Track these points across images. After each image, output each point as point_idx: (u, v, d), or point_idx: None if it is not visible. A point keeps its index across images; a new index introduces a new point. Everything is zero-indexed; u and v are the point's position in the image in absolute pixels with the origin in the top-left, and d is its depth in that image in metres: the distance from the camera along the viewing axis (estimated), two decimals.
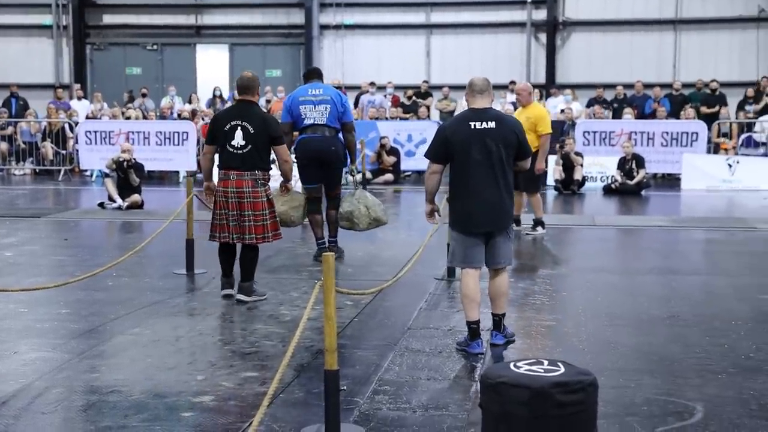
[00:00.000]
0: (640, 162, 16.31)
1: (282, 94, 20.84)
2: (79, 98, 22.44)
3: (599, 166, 17.26)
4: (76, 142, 19.38)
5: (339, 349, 4.70)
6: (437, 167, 6.25)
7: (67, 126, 19.93)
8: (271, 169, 7.81)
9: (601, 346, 6.33)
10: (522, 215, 11.52)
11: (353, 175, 10.24)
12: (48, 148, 19.65)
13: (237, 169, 7.47)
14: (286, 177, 8.14)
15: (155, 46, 25.21)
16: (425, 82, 22.34)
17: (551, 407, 3.88)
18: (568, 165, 16.47)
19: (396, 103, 21.17)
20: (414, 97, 21.28)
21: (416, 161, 19.08)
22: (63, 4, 25.06)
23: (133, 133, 18.93)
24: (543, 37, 23.51)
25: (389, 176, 18.25)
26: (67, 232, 12.14)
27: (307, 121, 9.27)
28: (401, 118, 20.29)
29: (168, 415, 4.95)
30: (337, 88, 10.36)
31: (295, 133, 9.49)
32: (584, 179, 16.65)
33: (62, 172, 19.36)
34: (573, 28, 23.51)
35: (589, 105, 20.32)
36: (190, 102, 21.39)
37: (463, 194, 6.14)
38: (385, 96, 21.29)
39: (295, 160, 9.68)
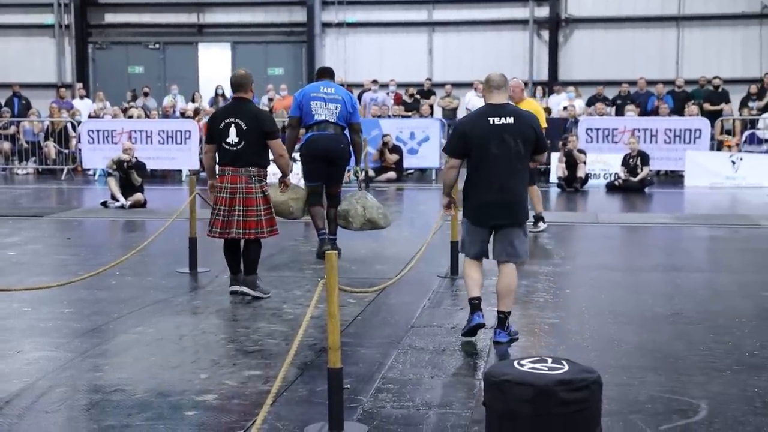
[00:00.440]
0: (645, 159, 16.28)
1: (285, 93, 20.85)
2: (81, 97, 22.45)
3: (602, 163, 17.24)
4: (79, 142, 19.39)
5: (342, 347, 4.70)
6: (455, 162, 6.35)
7: (69, 125, 19.94)
8: (268, 164, 7.88)
9: (605, 344, 6.32)
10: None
11: (358, 176, 10.25)
12: (51, 147, 19.66)
13: (232, 166, 7.60)
14: (283, 172, 8.17)
15: (157, 45, 25.21)
16: (428, 79, 22.32)
17: (555, 405, 3.88)
18: (571, 162, 16.46)
19: (398, 101, 21.15)
20: (417, 95, 21.26)
21: (419, 159, 19.09)
22: (65, 3, 25.07)
23: (135, 132, 18.95)
24: (545, 34, 23.49)
25: (392, 174, 18.24)
26: (70, 231, 12.15)
27: (318, 117, 9.31)
28: (404, 116, 20.28)
29: (171, 414, 4.95)
30: (340, 86, 10.36)
31: (302, 130, 9.53)
32: (587, 176, 16.64)
33: (65, 172, 19.37)
34: (575, 25, 23.48)
35: (590, 103, 20.29)
36: (193, 100, 21.40)
37: (480, 188, 6.23)
38: (387, 94, 21.27)
39: (300, 157, 9.71)
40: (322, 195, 9.62)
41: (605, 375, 4.29)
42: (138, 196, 14.04)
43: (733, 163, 17.06)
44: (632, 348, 6.21)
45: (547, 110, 18.06)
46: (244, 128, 7.56)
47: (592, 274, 8.82)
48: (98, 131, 19.12)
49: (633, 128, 17.93)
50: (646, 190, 16.13)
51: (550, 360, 4.15)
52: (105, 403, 5.11)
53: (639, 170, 16.20)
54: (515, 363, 4.13)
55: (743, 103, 19.79)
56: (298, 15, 24.45)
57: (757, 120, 18.99)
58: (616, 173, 16.69)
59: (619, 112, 19.74)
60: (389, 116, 19.98)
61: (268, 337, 6.50)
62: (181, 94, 22.22)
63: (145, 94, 22.10)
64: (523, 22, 23.54)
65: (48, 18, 25.21)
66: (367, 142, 16.97)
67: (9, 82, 22.98)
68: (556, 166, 16.61)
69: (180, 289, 8.15)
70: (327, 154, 9.28)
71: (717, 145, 18.46)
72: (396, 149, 18.52)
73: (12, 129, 20.33)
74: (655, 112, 19.41)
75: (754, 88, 19.90)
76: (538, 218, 11.41)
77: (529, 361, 4.12)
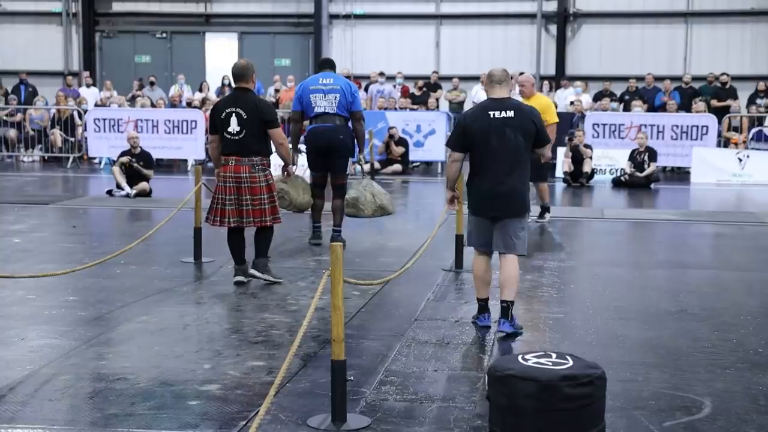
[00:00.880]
0: (652, 155, 16.23)
1: (291, 84, 20.82)
2: (88, 86, 22.46)
3: (609, 158, 17.21)
4: (85, 130, 19.39)
5: (346, 339, 4.69)
6: (458, 155, 6.45)
7: (75, 113, 19.94)
8: (271, 153, 7.94)
9: (609, 340, 6.31)
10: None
11: (361, 165, 10.25)
12: (57, 135, 19.66)
13: (235, 155, 7.68)
14: (285, 160, 8.23)
15: (164, 35, 25.19)
16: (435, 72, 22.27)
17: (559, 400, 3.87)
18: (578, 157, 16.41)
19: (406, 93, 21.11)
20: (424, 89, 21.22)
21: (424, 152, 19.06)
22: None
23: (141, 121, 18.95)
24: (553, 28, 23.42)
25: (397, 167, 18.21)
26: (76, 219, 12.15)
27: (318, 110, 9.39)
28: (410, 109, 20.27)
29: (174, 403, 4.95)
30: (346, 77, 10.40)
31: (305, 122, 9.60)
32: (593, 172, 16.60)
33: (71, 160, 19.38)
34: (584, 19, 23.41)
35: (596, 99, 20.24)
36: (200, 90, 21.39)
37: (481, 180, 6.32)
38: (394, 86, 21.24)
39: (304, 150, 9.76)
40: (325, 187, 9.71)
41: (609, 371, 4.28)
42: (143, 185, 14.04)
43: (740, 160, 17.02)
44: (636, 344, 6.20)
45: (554, 105, 18.01)
46: (245, 117, 7.64)
47: (597, 270, 8.81)
48: (104, 120, 19.12)
49: (640, 124, 17.89)
50: (652, 186, 16.09)
51: (554, 355, 4.14)
52: (108, 392, 5.11)
53: (646, 166, 16.16)
54: (519, 358, 4.12)
55: (751, 100, 19.73)
56: (306, 6, 24.40)
57: (765, 117, 18.93)
58: (622, 169, 16.65)
59: (626, 108, 19.69)
60: (395, 109, 19.96)
61: (272, 328, 6.50)
62: (188, 84, 22.21)
63: (152, 84, 22.10)
64: (531, 16, 23.47)
65: (56, 6, 25.20)
66: (373, 134, 16.97)
67: (16, 69, 23.00)
68: (562, 161, 16.58)
69: (184, 279, 8.16)
70: (327, 144, 9.37)
71: (724, 142, 18.41)
72: (402, 142, 18.50)
73: (18, 116, 20.33)
74: (662, 108, 19.36)
75: (762, 85, 19.83)
76: (544, 209, 11.50)
77: (534, 356, 4.12)
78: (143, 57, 25.16)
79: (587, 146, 16.62)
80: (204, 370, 5.51)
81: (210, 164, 18.62)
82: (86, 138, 19.33)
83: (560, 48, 23.26)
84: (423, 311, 7.03)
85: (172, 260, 8.90)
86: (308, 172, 9.73)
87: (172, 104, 20.75)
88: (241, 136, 7.65)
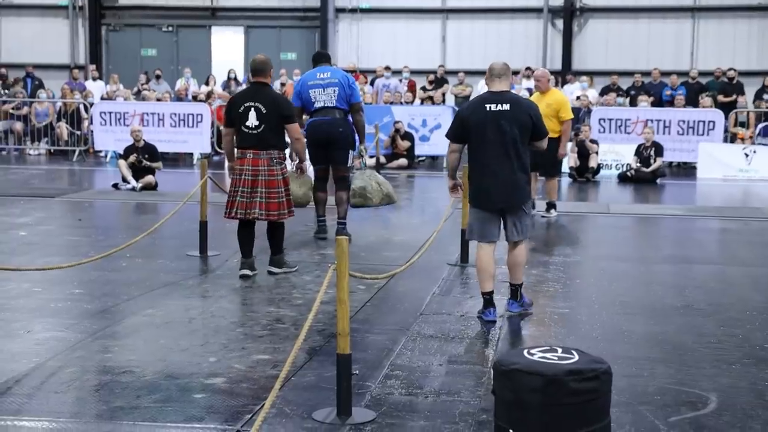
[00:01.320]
0: (659, 150, 16.19)
1: (298, 77, 20.77)
2: (94, 79, 22.47)
3: (615, 153, 17.18)
4: (91, 123, 19.41)
5: (351, 334, 4.70)
6: (456, 146, 6.66)
7: (81, 107, 19.95)
8: (287, 147, 7.97)
9: (615, 335, 6.30)
10: (535, 201, 11.50)
11: (362, 156, 10.28)
12: (63, 128, 19.68)
13: (253, 149, 7.73)
14: (300, 156, 8.22)
15: (171, 28, 25.19)
16: (441, 66, 22.23)
17: (565, 395, 3.86)
18: (584, 152, 16.39)
19: (412, 88, 21.08)
20: (429, 88, 21.14)
21: (430, 146, 19.05)
22: None
23: (147, 114, 18.96)
24: (560, 23, 23.36)
25: (403, 161, 18.19)
26: (81, 212, 12.17)
27: (317, 104, 9.47)
28: (422, 101, 20.31)
29: (180, 396, 4.96)
30: (352, 71, 10.44)
31: (305, 117, 9.63)
32: (599, 167, 16.57)
33: (77, 153, 19.40)
34: (590, 14, 23.35)
35: (602, 93, 20.20)
36: (207, 84, 21.39)
37: (480, 173, 6.53)
38: (400, 80, 21.21)
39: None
40: (327, 180, 9.75)
41: (614, 366, 4.27)
42: (149, 178, 14.06)
43: (747, 155, 16.98)
44: (642, 339, 6.20)
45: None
46: (264, 112, 7.70)
47: (603, 265, 8.80)
48: (110, 113, 19.13)
49: (646, 119, 17.85)
50: (658, 181, 16.06)
51: (560, 350, 4.13)
52: (114, 384, 5.12)
53: (652, 161, 16.12)
54: (525, 352, 4.11)
55: (758, 96, 19.67)
56: (312, 0, 24.38)
57: None
58: (628, 164, 16.62)
59: (633, 103, 19.65)
60: (401, 103, 19.94)
61: (278, 322, 6.51)
62: (194, 78, 22.22)
63: (158, 77, 22.10)
64: (538, 11, 23.42)
65: None
66: (379, 128, 16.96)
67: (22, 62, 23.02)
68: (569, 156, 16.54)
69: (190, 272, 8.17)
70: (326, 137, 9.44)
71: (730, 138, 18.36)
72: (408, 136, 18.48)
73: (24, 110, 20.35)
74: (669, 103, 19.31)
75: None
76: (551, 205, 11.54)
77: (539, 351, 4.11)
78: (149, 50, 25.16)
79: (593, 141, 16.60)
80: (209, 364, 5.52)
81: (216, 158, 18.69)
82: (92, 131, 19.35)
83: (566, 42, 23.20)
84: (428, 305, 7.03)
85: (178, 254, 8.91)
86: (311, 168, 9.75)
87: (178, 98, 20.76)
88: (259, 130, 7.71)
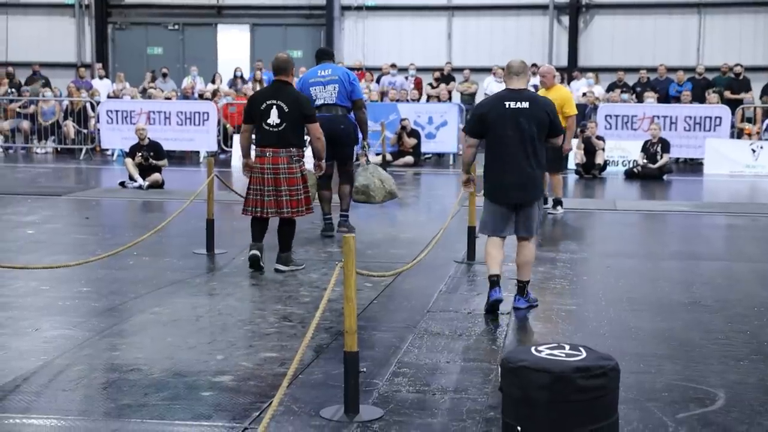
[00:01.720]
0: (665, 146, 16.16)
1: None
2: (100, 77, 22.50)
3: (621, 150, 17.15)
4: (98, 122, 19.44)
5: (358, 331, 4.69)
6: (473, 141, 6.75)
7: (88, 105, 19.99)
8: (305, 146, 8.01)
9: (622, 331, 6.29)
10: (547, 196, 11.53)
11: (365, 152, 10.28)
12: (70, 127, 19.72)
13: (273, 147, 7.79)
14: (319, 155, 8.23)
15: (177, 26, 25.22)
16: (448, 63, 22.22)
17: (572, 392, 3.86)
18: (590, 149, 16.36)
19: (418, 85, 21.07)
20: (440, 82, 21.13)
21: (436, 144, 19.03)
22: None
23: (153, 113, 18.99)
24: (565, 19, 23.34)
25: (409, 158, 18.19)
26: (89, 210, 12.20)
27: (318, 102, 9.50)
28: (429, 97, 20.32)
29: (188, 394, 4.96)
30: (358, 69, 10.45)
31: None
32: (606, 163, 16.55)
33: (84, 151, 19.44)
34: (596, 10, 23.32)
35: (609, 89, 20.16)
36: (213, 82, 21.40)
37: (496, 168, 6.63)
38: (406, 78, 21.20)
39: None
40: (331, 177, 9.78)
41: (622, 362, 4.26)
42: (156, 176, 14.08)
43: (754, 151, 16.94)
44: (649, 336, 6.19)
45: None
46: (286, 110, 7.75)
47: (610, 261, 8.79)
48: (117, 111, 19.17)
49: (653, 115, 17.81)
50: (665, 177, 16.04)
51: (567, 347, 4.12)
52: (122, 382, 5.13)
53: (659, 157, 16.09)
54: (532, 349, 4.11)
55: (765, 91, 19.62)
56: None
57: None
58: (634, 160, 16.59)
59: (639, 99, 19.60)
60: (407, 100, 19.93)
61: (285, 320, 6.51)
62: (200, 76, 22.23)
63: (164, 75, 22.12)
64: (543, 7, 23.39)
65: None
66: (385, 125, 16.96)
67: (29, 61, 23.07)
68: (575, 153, 16.53)
69: (197, 270, 8.18)
70: (328, 134, 9.37)
71: (737, 133, 18.31)
72: (414, 133, 18.47)
73: (31, 108, 20.40)
74: (675, 99, 19.27)
75: None
76: (557, 202, 11.55)
77: (547, 348, 4.11)
78: (155, 49, 25.19)
79: (599, 138, 16.57)
80: (217, 362, 5.52)
81: (222, 156, 18.71)
82: (99, 130, 19.39)
83: (572, 39, 23.18)
84: (435, 303, 7.03)
85: (185, 252, 8.92)
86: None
87: (185, 96, 20.78)
88: (281, 128, 7.76)
